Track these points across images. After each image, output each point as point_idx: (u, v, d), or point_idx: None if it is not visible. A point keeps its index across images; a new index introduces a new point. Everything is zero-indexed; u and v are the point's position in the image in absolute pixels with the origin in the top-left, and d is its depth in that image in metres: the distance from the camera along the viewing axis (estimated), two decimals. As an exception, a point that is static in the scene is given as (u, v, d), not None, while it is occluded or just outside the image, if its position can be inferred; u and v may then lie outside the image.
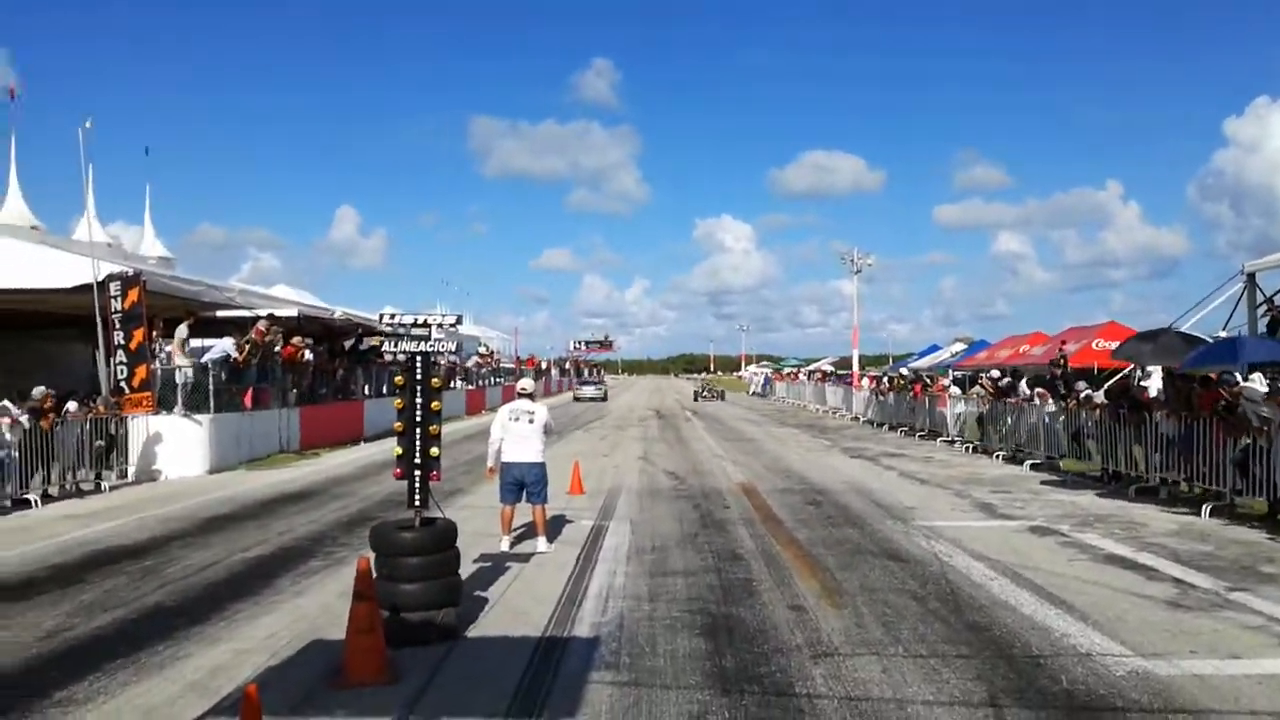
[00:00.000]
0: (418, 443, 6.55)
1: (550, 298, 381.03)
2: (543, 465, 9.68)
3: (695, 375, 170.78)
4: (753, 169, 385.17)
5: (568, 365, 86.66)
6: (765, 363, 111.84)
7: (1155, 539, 10.31)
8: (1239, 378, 12.87)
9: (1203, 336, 16.53)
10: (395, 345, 6.69)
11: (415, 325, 6.58)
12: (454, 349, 7.05)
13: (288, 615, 7.37)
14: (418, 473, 6.57)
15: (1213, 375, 12.64)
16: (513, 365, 59.39)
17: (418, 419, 6.57)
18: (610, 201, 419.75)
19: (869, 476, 16.40)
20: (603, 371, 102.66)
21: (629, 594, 7.94)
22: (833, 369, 60.47)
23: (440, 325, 6.64)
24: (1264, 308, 23.01)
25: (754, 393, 68.41)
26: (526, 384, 10.24)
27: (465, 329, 62.37)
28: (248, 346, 19.31)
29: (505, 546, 9.68)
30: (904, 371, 36.54)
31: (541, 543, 9.71)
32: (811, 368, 67.19)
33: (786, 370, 74.03)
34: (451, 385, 38.14)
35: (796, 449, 22.39)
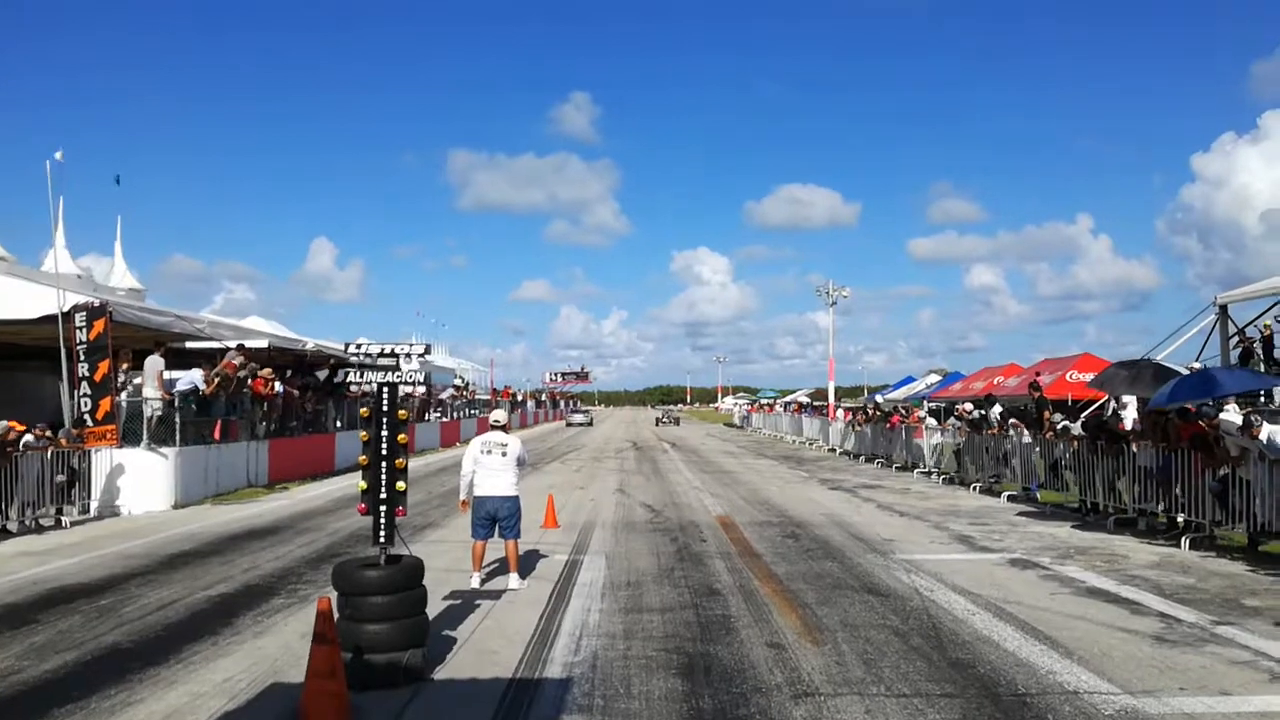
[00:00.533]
0: (383, 477, 6.32)
1: (527, 330, 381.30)
2: (516, 499, 9.44)
3: (671, 407, 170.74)
4: (730, 202, 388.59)
5: (544, 397, 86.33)
6: (742, 394, 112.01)
7: (1137, 571, 10.19)
8: (1215, 408, 12.84)
9: (1178, 368, 16.55)
10: (361, 376, 6.47)
11: (382, 355, 6.37)
12: (422, 380, 6.82)
13: (247, 657, 7.07)
14: (383, 508, 6.33)
15: (1190, 407, 12.60)
16: (488, 397, 59.05)
17: (383, 452, 6.34)
18: (588, 234, 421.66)
19: (847, 509, 16.24)
20: (579, 403, 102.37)
21: (603, 632, 7.70)
22: (809, 400, 60.57)
23: (408, 355, 6.43)
24: (1236, 338, 23.23)
25: (738, 424, 68.38)
26: (499, 416, 10.00)
27: (441, 361, 62.01)
28: (217, 380, 18.94)
29: (476, 583, 9.41)
30: (879, 400, 36.60)
31: (514, 579, 9.45)
32: (788, 399, 67.28)
33: (763, 402, 74.04)
34: (426, 418, 37.76)
35: (774, 481, 22.21)
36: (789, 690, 6.13)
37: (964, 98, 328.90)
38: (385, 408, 6.35)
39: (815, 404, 54.13)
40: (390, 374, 6.37)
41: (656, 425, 53.87)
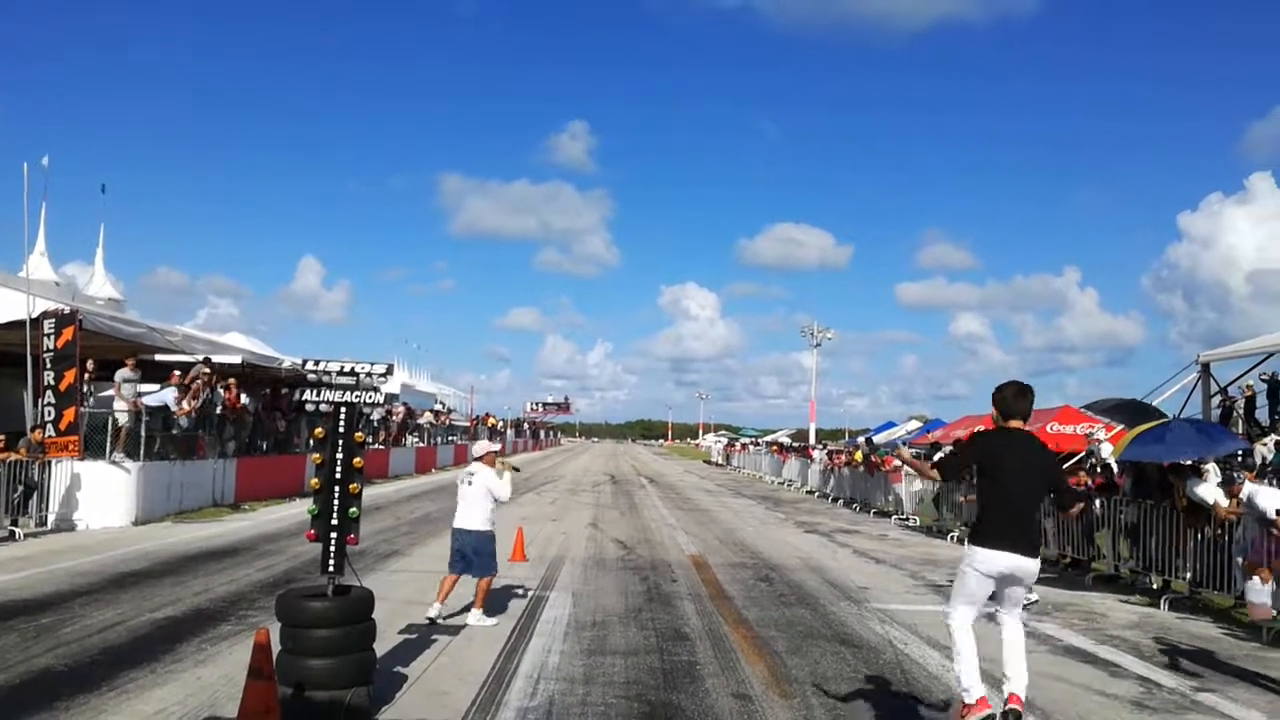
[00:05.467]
0: (335, 502, 6.00)
1: (513, 357, 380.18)
2: (481, 534, 9.10)
3: (652, 442, 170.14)
4: (722, 238, 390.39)
5: (525, 426, 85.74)
6: (723, 432, 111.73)
7: (1115, 631, 9.93)
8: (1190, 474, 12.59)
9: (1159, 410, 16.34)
10: (319, 395, 6.18)
11: (341, 374, 6.08)
12: (382, 401, 6.54)
13: (185, 688, 6.68)
14: (333, 535, 6.01)
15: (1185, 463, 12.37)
16: (467, 424, 58.54)
17: (337, 475, 6.03)
18: (579, 263, 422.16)
19: (823, 553, 15.94)
20: (559, 434, 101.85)
21: (562, 675, 7.36)
22: (789, 441, 60.38)
23: (369, 375, 6.14)
24: (1218, 397, 23.18)
25: (715, 461, 68.02)
26: (480, 446, 9.72)
27: (423, 386, 61.52)
28: (192, 401, 18.59)
29: (432, 614, 9.00)
30: (875, 440, 36.10)
31: (473, 615, 9.09)
32: (769, 439, 67.07)
33: (743, 441, 73.83)
34: (403, 442, 37.29)
35: (750, 521, 21.90)
36: (753, 746, 5.82)
37: (959, 147, 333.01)
38: (341, 429, 6.05)
39: (795, 445, 53.90)
40: (349, 394, 6.08)
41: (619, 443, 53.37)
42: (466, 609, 9.21)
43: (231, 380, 20.67)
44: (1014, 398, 5.70)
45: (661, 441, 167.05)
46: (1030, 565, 5.46)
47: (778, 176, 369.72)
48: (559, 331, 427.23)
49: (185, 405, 18.58)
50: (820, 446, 46.27)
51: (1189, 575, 11.61)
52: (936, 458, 10.34)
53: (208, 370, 19.49)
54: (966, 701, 5.43)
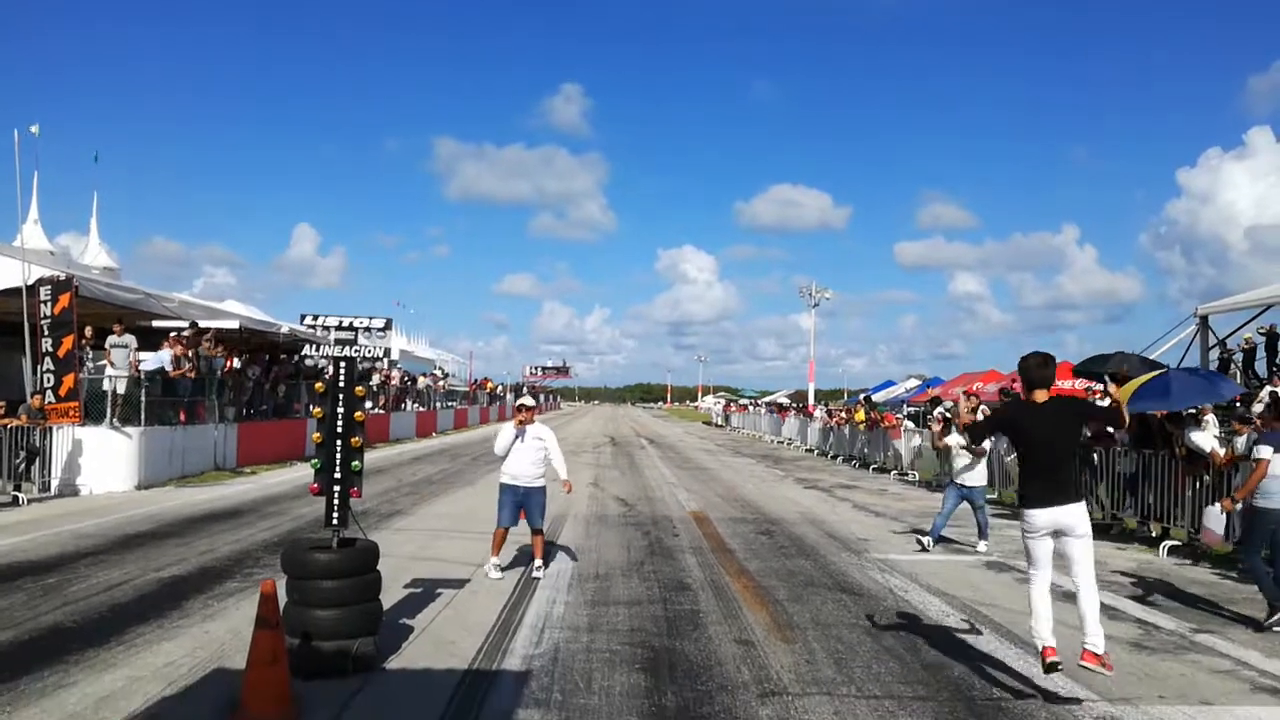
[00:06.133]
0: (338, 455, 6.02)
1: (510, 323, 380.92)
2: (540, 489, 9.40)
3: (652, 405, 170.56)
4: (719, 200, 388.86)
5: (524, 390, 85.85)
6: (722, 393, 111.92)
7: (1114, 578, 10.01)
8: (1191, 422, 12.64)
9: (1159, 363, 16.33)
10: (318, 351, 6.17)
11: (339, 329, 6.07)
12: (382, 355, 6.52)
13: (192, 641, 6.76)
14: (337, 488, 6.03)
15: (1182, 412, 12.40)
16: (466, 389, 58.62)
17: (339, 430, 6.04)
18: (575, 228, 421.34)
19: (823, 507, 16.04)
20: (559, 398, 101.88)
21: (567, 624, 7.43)
22: (789, 402, 60.50)
23: (368, 330, 6.13)
24: (1216, 349, 23.20)
25: (715, 422, 68.19)
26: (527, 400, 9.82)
27: (421, 352, 61.52)
28: (187, 363, 18.56)
29: (494, 575, 9.10)
30: (874, 399, 36.13)
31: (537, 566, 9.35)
32: (768, 400, 67.21)
33: (742, 402, 73.99)
34: (403, 407, 37.36)
35: (750, 479, 22.00)
36: (756, 689, 5.89)
37: (957, 105, 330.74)
38: (342, 383, 6.05)
39: (795, 405, 54.02)
40: (348, 348, 6.07)
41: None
42: (451, 566, 9.29)
43: (219, 345, 20.60)
44: (1037, 367, 6.00)
45: (661, 404, 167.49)
46: (1067, 512, 5.76)
47: (775, 138, 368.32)
48: (556, 297, 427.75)
49: (183, 365, 18.54)
50: (821, 405, 46.39)
51: (1187, 523, 11.69)
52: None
53: (192, 333, 19.39)
54: (1040, 649, 5.87)
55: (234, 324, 22.10)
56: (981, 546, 11.60)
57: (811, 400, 52.42)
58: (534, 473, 9.20)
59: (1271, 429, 8.76)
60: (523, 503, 9.22)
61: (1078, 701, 5.78)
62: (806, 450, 34.44)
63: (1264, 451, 8.25)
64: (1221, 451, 11.19)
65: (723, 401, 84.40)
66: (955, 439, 11.73)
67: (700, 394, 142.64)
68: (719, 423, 67.42)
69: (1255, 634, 7.62)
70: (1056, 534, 5.85)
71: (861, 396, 36.98)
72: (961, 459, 11.76)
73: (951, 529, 13.52)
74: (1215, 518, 9.34)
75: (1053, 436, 5.85)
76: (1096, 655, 5.77)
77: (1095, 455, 13.59)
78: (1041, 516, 5.79)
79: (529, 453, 9.16)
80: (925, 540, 11.60)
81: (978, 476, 11.85)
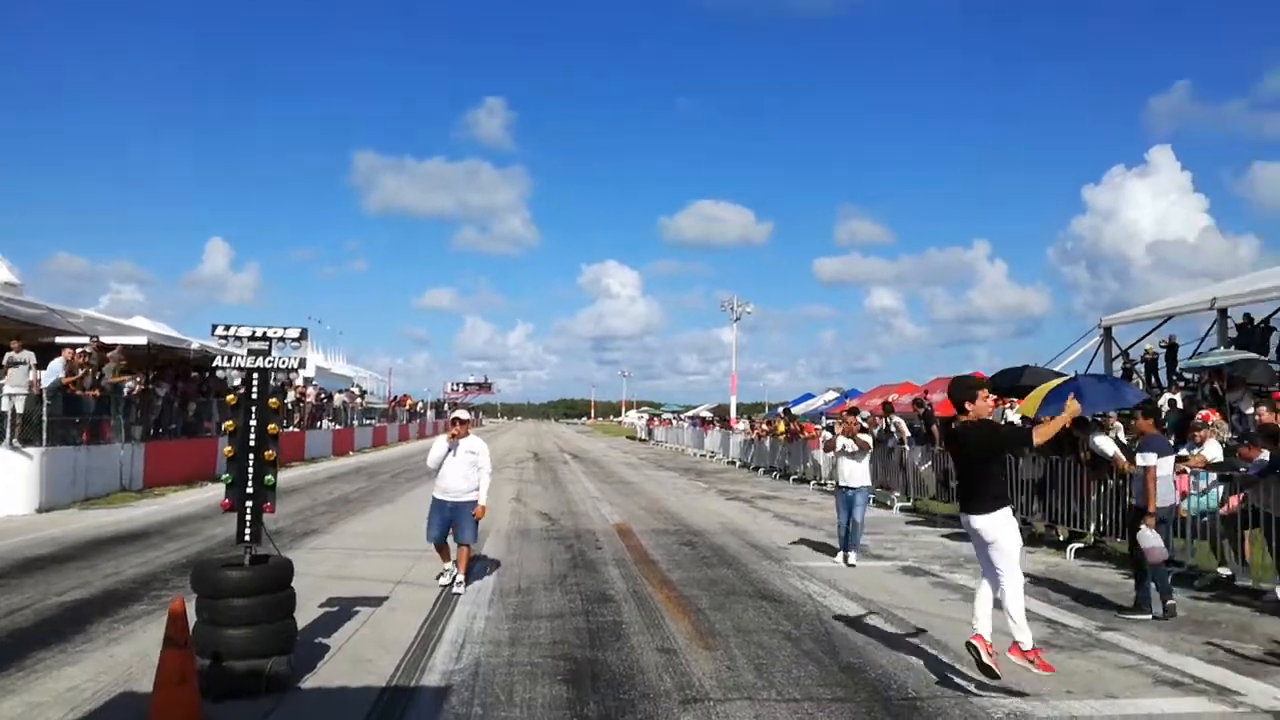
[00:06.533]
0: (250, 470, 5.87)
1: (431, 339, 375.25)
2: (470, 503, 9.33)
3: (575, 420, 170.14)
4: (643, 215, 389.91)
5: (446, 408, 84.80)
6: (645, 408, 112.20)
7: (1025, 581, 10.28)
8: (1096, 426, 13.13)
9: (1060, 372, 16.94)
10: (229, 361, 6.02)
11: (252, 339, 5.94)
12: (297, 366, 6.37)
13: (96, 665, 6.50)
14: (249, 503, 5.88)
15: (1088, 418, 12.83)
16: (385, 406, 57.68)
17: (251, 443, 5.89)
18: (497, 242, 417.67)
19: (745, 518, 16.19)
20: (481, 414, 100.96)
21: (488, 639, 7.35)
22: (711, 415, 60.90)
23: (282, 340, 6.00)
24: (1119, 360, 24.16)
25: (639, 437, 68.30)
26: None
27: (339, 369, 60.32)
28: (81, 371, 17.85)
29: (445, 580, 9.33)
30: (794, 411, 36.62)
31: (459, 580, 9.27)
32: (690, 414, 67.57)
33: (665, 415, 74.29)
34: (319, 425, 36.59)
35: (673, 491, 22.08)
36: (678, 695, 5.91)
37: (873, 121, 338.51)
38: (254, 395, 5.91)
39: (717, 419, 54.41)
40: (262, 359, 5.94)
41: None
42: (373, 584, 9.13)
43: (126, 362, 19.88)
44: (961, 390, 6.56)
45: (585, 420, 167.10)
46: (977, 520, 6.23)
47: (698, 154, 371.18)
48: (478, 312, 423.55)
49: (77, 373, 17.80)
50: (744, 418, 46.83)
51: (1093, 526, 12.11)
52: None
53: (95, 348, 18.68)
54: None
55: (141, 340, 21.39)
56: (852, 558, 11.24)
57: (734, 414, 52.86)
58: (465, 487, 9.17)
59: (1150, 435, 9.12)
60: (452, 517, 9.17)
61: (989, 697, 5.94)
62: (729, 463, 34.72)
63: (1149, 459, 8.66)
64: (1124, 456, 11.63)
65: (646, 416, 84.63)
66: (843, 441, 11.73)
67: (624, 409, 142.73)
68: (642, 437, 67.58)
69: (1158, 630, 7.93)
70: (973, 534, 6.31)
71: (781, 409, 37.46)
72: (845, 463, 11.68)
73: (868, 538, 13.78)
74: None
75: (973, 450, 6.36)
76: (1022, 650, 6.05)
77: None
78: (966, 520, 6.38)
79: (461, 466, 9.16)
80: (850, 556, 11.29)
81: (859, 477, 11.63)
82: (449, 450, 9.15)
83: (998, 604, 6.21)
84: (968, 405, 6.43)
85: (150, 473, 19.66)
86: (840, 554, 11.49)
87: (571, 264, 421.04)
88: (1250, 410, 15.01)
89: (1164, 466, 8.89)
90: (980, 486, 6.31)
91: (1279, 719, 5.67)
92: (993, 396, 19.74)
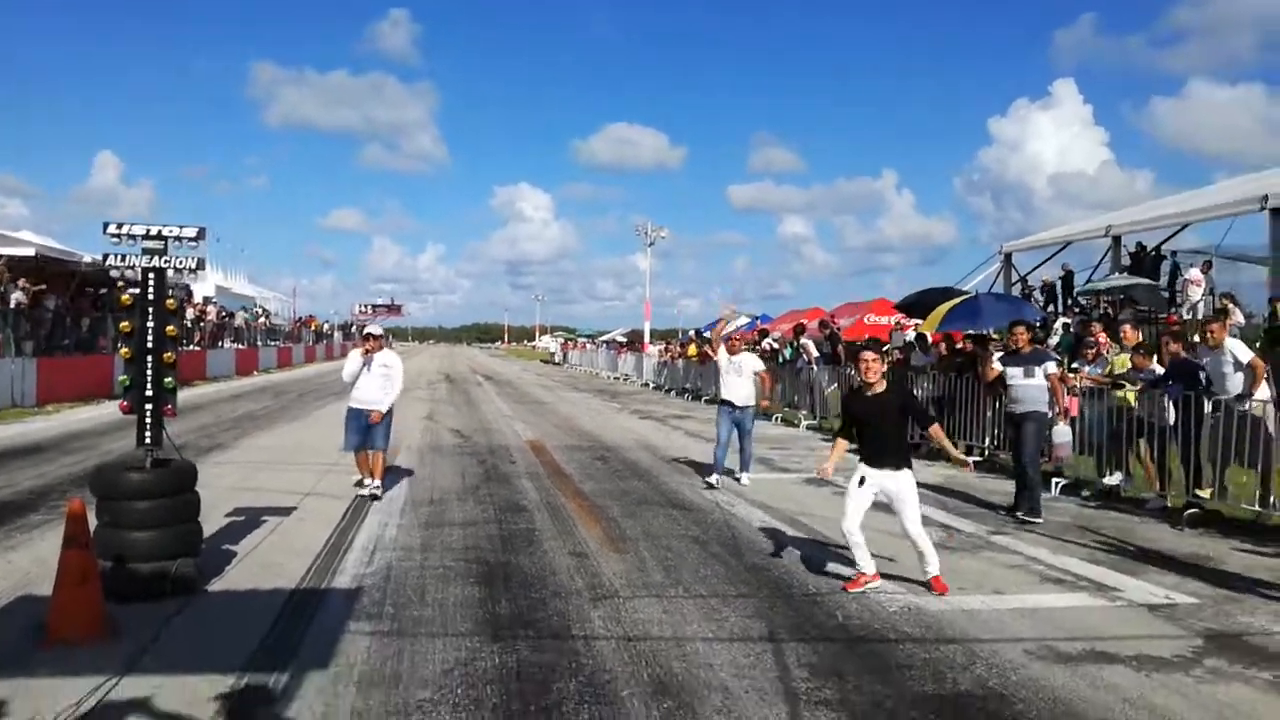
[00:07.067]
0: (149, 371, 5.70)
1: (337, 260, 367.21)
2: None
3: (489, 345, 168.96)
4: (556, 138, 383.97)
5: (353, 329, 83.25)
6: (560, 333, 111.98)
7: (922, 490, 10.66)
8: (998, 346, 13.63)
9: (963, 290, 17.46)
10: (123, 261, 5.79)
11: (148, 237, 5.71)
12: (194, 266, 6.12)
13: (-8, 573, 6.33)
14: (149, 406, 5.72)
15: (988, 334, 13.28)
16: (289, 326, 56.34)
17: (149, 345, 5.71)
18: (406, 159, 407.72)
19: (657, 435, 16.43)
20: (390, 338, 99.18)
21: (399, 545, 7.38)
22: (625, 340, 61.15)
23: (178, 239, 5.78)
24: (1018, 285, 24.99)
25: (553, 360, 68.24)
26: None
27: (240, 289, 58.44)
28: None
29: (365, 492, 9.38)
30: (705, 334, 36.94)
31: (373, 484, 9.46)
32: (604, 338, 67.71)
33: (580, 340, 74.32)
34: (220, 345, 35.59)
35: (587, 411, 22.21)
36: (589, 594, 6.05)
37: (788, 49, 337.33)
38: (152, 295, 5.71)
39: (631, 343, 54.68)
40: (158, 259, 5.72)
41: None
42: (281, 495, 9.04)
43: (10, 273, 18.96)
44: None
45: (499, 344, 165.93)
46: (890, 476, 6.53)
47: (612, 76, 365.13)
48: (387, 233, 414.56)
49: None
50: (658, 343, 47.14)
51: (988, 441, 12.64)
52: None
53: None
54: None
55: (29, 251, 20.39)
56: (744, 480, 10.80)
57: (647, 340, 53.13)
58: (379, 397, 9.40)
59: (1039, 349, 9.63)
60: (367, 425, 9.31)
61: (885, 593, 6.22)
62: (642, 385, 35.02)
63: (1051, 368, 9.19)
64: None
65: (561, 340, 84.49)
66: (723, 356, 11.15)
67: (538, 334, 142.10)
68: (557, 361, 67.51)
69: (1045, 535, 8.36)
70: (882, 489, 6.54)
71: (693, 331, 37.84)
72: (730, 379, 10.97)
73: (776, 453, 14.14)
74: (1063, 433, 10.16)
75: (880, 414, 6.56)
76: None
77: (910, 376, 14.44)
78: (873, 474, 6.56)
79: (375, 379, 9.43)
80: (712, 478, 10.61)
81: (744, 395, 10.94)
82: (363, 365, 9.40)
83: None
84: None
85: (43, 389, 18.94)
86: (714, 475, 10.67)
87: (483, 185, 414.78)
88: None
89: (1038, 375, 9.37)
90: (895, 443, 6.55)
91: (1153, 610, 6.08)
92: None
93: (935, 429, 6.89)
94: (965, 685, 4.65)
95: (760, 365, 11.36)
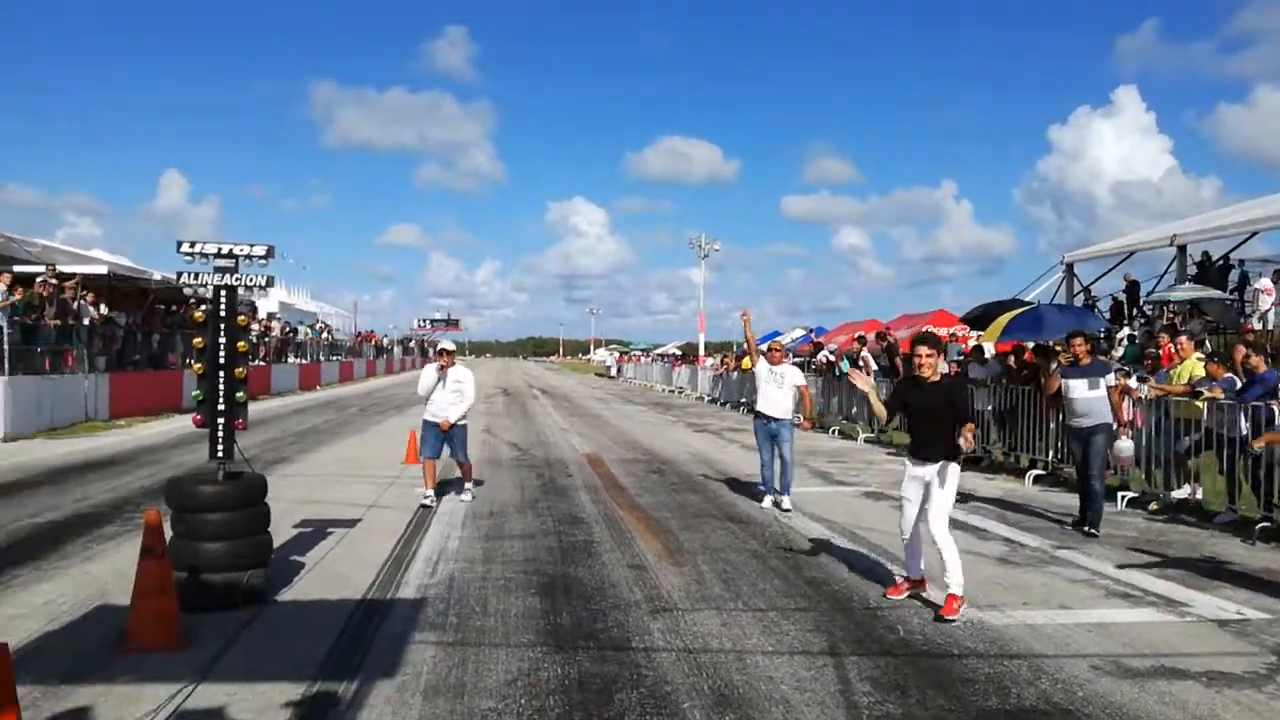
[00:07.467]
0: (221, 386, 5.88)
1: (396, 276, 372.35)
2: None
3: (544, 358, 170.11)
4: (609, 152, 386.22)
5: (413, 344, 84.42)
6: (614, 347, 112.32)
7: (983, 504, 10.59)
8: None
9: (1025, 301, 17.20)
10: (198, 279, 5.99)
11: (219, 256, 5.90)
12: (264, 284, 6.32)
13: (73, 581, 6.57)
14: (221, 420, 5.91)
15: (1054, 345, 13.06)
16: (350, 342, 57.34)
17: (221, 360, 5.90)
18: (462, 178, 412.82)
19: (713, 448, 16.41)
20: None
21: (462, 557, 7.49)
22: (679, 353, 61.18)
23: (249, 258, 5.97)
24: (1081, 295, 24.53)
25: (609, 374, 68.49)
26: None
27: (303, 305, 59.68)
28: (34, 300, 17.56)
29: (427, 502, 9.72)
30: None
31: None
32: (658, 352, 67.84)
33: (634, 353, 74.53)
34: (284, 359, 36.35)
35: (642, 424, 22.27)
36: (648, 606, 6.08)
37: (843, 59, 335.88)
38: (224, 312, 5.90)
39: (685, 356, 54.70)
40: (229, 276, 5.91)
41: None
42: (336, 507, 9.21)
43: (86, 291, 19.55)
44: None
45: (554, 358, 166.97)
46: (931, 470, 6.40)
47: (665, 89, 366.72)
48: (444, 249, 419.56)
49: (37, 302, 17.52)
50: (713, 356, 47.07)
51: (1050, 454, 12.41)
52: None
53: (51, 275, 18.31)
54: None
55: (101, 269, 21.07)
56: (785, 503, 9.93)
57: (701, 352, 53.07)
58: (455, 411, 9.81)
59: (1097, 360, 9.44)
60: (445, 438, 9.76)
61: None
62: (697, 398, 34.99)
63: (1111, 380, 9.09)
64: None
65: (615, 353, 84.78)
66: (762, 366, 10.50)
67: (592, 347, 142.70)
68: (612, 374, 67.71)
69: (1111, 549, 8.20)
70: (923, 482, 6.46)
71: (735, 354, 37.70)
72: (766, 389, 10.32)
73: (833, 466, 14.06)
74: (1127, 446, 10.01)
75: (931, 407, 6.42)
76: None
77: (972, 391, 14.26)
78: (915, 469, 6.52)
79: (449, 394, 9.82)
80: (765, 503, 10.12)
81: (781, 407, 10.21)
82: (438, 380, 9.82)
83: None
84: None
85: (116, 404, 19.52)
86: (768, 499, 10.15)
87: (538, 201, 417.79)
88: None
89: (1101, 388, 9.21)
90: (939, 439, 6.39)
91: (1223, 626, 5.94)
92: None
93: (967, 425, 6.73)
94: (1030, 700, 4.59)
95: (802, 379, 10.65)
